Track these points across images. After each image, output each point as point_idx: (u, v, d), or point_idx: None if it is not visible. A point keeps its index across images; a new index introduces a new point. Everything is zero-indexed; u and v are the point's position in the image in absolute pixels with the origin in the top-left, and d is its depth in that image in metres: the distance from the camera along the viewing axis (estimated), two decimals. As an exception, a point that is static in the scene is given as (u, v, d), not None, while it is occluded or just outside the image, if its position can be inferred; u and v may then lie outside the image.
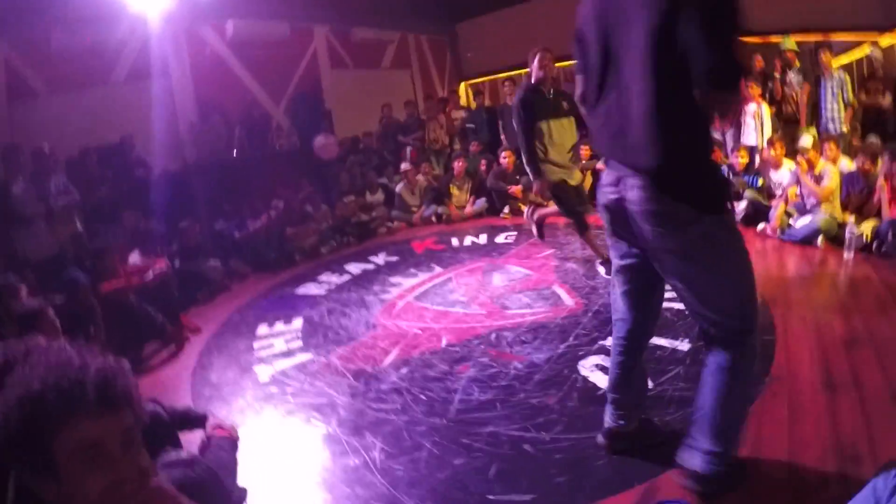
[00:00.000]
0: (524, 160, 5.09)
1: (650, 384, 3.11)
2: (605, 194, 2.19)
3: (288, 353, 4.21)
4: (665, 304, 4.06)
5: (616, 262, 2.38)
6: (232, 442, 2.17)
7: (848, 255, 4.94)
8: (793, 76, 6.96)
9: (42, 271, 5.02)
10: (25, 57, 6.74)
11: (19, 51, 6.69)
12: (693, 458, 2.20)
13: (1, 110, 6.58)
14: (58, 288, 4.41)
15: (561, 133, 5.06)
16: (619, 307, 2.48)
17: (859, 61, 8.27)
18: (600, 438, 2.62)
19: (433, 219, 8.08)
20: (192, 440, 2.38)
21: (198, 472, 1.70)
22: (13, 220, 5.37)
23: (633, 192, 2.01)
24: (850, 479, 2.24)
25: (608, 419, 2.60)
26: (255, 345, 4.47)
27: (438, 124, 9.60)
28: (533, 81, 5.04)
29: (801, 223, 5.48)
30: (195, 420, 2.36)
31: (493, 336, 4.03)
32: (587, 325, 4.05)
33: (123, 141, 7.17)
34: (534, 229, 5.79)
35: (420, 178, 8.36)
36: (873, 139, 5.90)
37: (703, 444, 2.18)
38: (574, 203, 5.08)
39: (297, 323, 4.81)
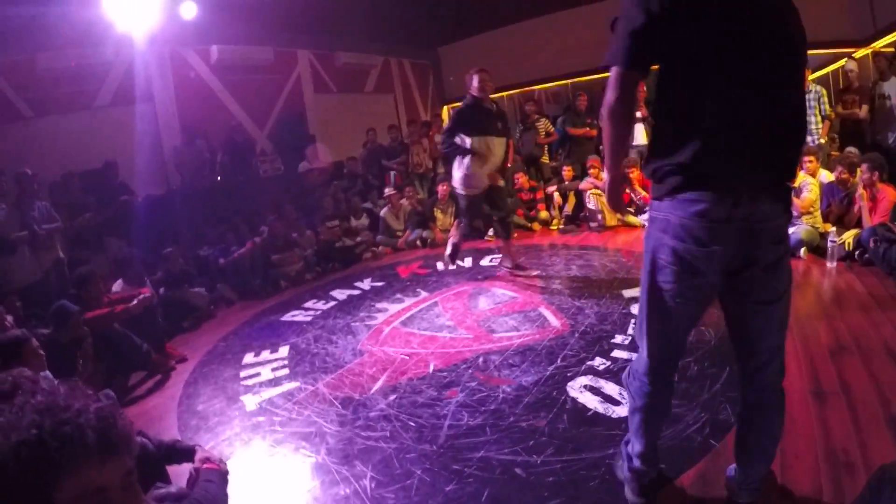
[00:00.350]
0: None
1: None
2: (719, 224, 1.81)
3: (275, 382, 4.17)
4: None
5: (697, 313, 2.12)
6: (221, 475, 2.14)
7: (831, 264, 5.05)
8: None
9: (25, 299, 4.95)
10: (10, 79, 6.71)
11: (4, 72, 6.66)
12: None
13: (-16, 132, 6.55)
14: (45, 317, 4.35)
15: (497, 149, 5.43)
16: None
17: (834, 73, 8.47)
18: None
19: (418, 243, 8.06)
20: (179, 473, 2.36)
21: (188, 507, 1.68)
22: (-3, 247, 5.29)
23: (766, 206, 1.83)
24: (845, 486, 2.30)
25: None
26: (242, 373, 4.41)
27: (422, 148, 9.64)
28: (473, 98, 5.40)
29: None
30: (183, 453, 2.34)
31: (481, 360, 4.02)
32: (574, 345, 4.06)
33: (107, 166, 7.11)
34: (448, 252, 5.97)
35: (404, 202, 8.38)
36: (851, 150, 6.02)
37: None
38: (476, 217, 5.82)
39: (284, 351, 4.76)
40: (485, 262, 6.72)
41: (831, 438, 2.63)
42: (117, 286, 5.26)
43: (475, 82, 5.39)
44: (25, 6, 6.06)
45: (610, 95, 1.90)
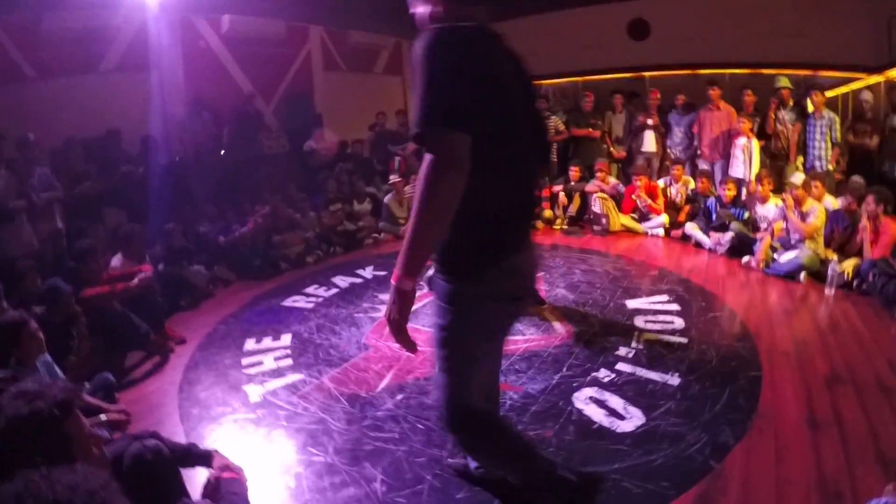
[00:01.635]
0: None
1: (643, 418, 3.16)
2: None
3: (278, 373, 4.12)
4: (656, 337, 4.16)
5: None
6: (242, 485, 2.13)
7: (829, 291, 5.09)
8: (785, 114, 7.09)
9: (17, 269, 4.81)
10: (14, 38, 6.54)
11: (8, 31, 6.49)
12: None
13: (-13, 91, 6.40)
14: (39, 296, 4.25)
15: None
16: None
17: (844, 97, 8.48)
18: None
19: (421, 231, 7.96)
20: (192, 475, 2.35)
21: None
22: (-6, 216, 5.14)
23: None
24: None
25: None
26: (244, 361, 4.36)
27: (429, 136, 9.56)
28: None
29: (785, 258, 5.61)
30: (199, 457, 2.31)
31: (488, 363, 4.02)
32: (580, 355, 4.08)
33: (110, 134, 6.98)
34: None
35: (408, 189, 8.33)
36: (857, 179, 6.05)
37: None
38: None
39: (286, 339, 4.70)
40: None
41: (823, 468, 2.70)
42: (116, 261, 5.09)
43: None
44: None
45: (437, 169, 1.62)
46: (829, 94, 7.44)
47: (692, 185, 7.43)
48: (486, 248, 1.88)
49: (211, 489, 2.15)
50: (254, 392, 3.86)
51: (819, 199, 5.76)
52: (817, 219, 5.51)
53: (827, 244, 5.64)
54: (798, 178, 5.64)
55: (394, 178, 8.28)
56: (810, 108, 7.01)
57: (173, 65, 7.97)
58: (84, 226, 5.92)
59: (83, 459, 1.48)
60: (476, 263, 1.87)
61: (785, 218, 5.77)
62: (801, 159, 7.25)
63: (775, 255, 5.73)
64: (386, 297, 5.19)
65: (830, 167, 6.86)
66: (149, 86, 7.64)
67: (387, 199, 8.25)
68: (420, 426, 3.29)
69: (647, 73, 10.29)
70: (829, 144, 6.86)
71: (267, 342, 4.68)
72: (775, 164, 7.42)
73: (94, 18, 7.01)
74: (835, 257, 5.36)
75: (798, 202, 5.61)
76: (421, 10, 1.92)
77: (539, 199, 7.59)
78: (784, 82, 7.12)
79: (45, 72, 6.76)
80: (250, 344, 4.67)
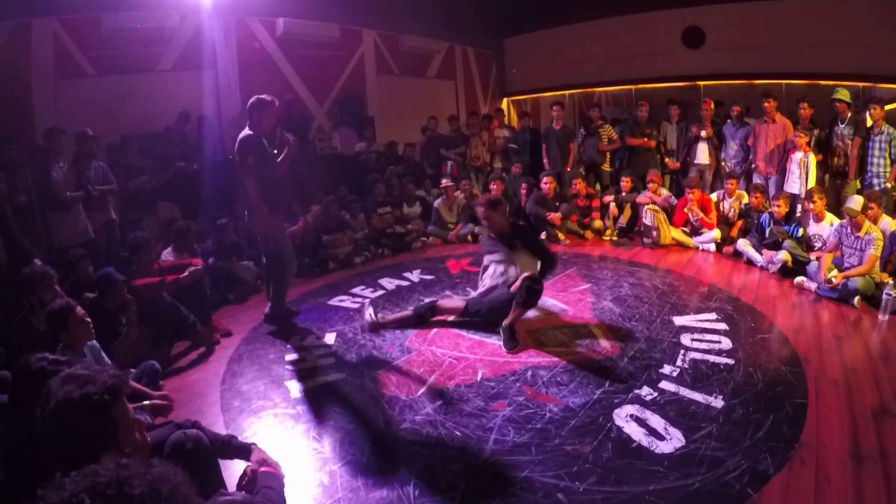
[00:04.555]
0: None
1: (683, 440, 3.11)
2: None
3: (320, 371, 4.17)
4: (700, 357, 4.07)
5: None
6: (279, 480, 2.17)
7: (883, 317, 4.90)
8: (844, 129, 6.85)
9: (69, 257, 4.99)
10: (75, 36, 6.78)
11: (69, 29, 6.73)
12: None
13: (47, 87, 6.63)
14: (91, 283, 4.44)
15: None
16: None
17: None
18: None
19: (469, 238, 8.00)
20: (229, 466, 2.41)
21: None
22: (52, 205, 5.37)
23: None
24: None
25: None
26: (287, 357, 4.43)
27: (481, 141, 9.59)
28: None
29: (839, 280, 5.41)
30: (238, 450, 2.35)
31: (529, 374, 3.99)
32: (623, 371, 4.01)
33: (167, 130, 7.20)
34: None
35: (459, 194, 8.34)
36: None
37: None
38: None
39: (331, 338, 4.76)
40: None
41: (864, 505, 2.59)
42: (167, 253, 5.31)
43: None
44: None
45: None
46: (889, 107, 7.14)
47: (746, 199, 7.25)
48: None
49: (247, 482, 2.19)
50: (295, 388, 3.92)
51: (875, 220, 5.53)
52: (877, 249, 5.24)
53: (883, 267, 5.41)
54: (855, 202, 5.40)
55: (445, 182, 8.32)
56: (869, 122, 6.73)
57: (228, 66, 8.17)
58: (139, 218, 6.11)
59: (126, 444, 1.53)
60: None
61: (841, 244, 5.56)
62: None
63: (830, 277, 5.50)
64: (431, 300, 5.22)
65: (889, 185, 6.56)
66: (204, 85, 7.85)
67: (437, 203, 8.29)
68: (458, 433, 3.29)
69: (701, 83, 10.11)
70: (889, 161, 6.56)
71: (311, 340, 4.75)
72: (833, 182, 7.18)
73: (152, 19, 7.26)
74: (890, 281, 5.14)
75: (855, 227, 5.41)
76: None
77: None
78: (842, 94, 6.83)
79: (104, 70, 7.01)
80: (295, 340, 4.74)
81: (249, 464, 2.29)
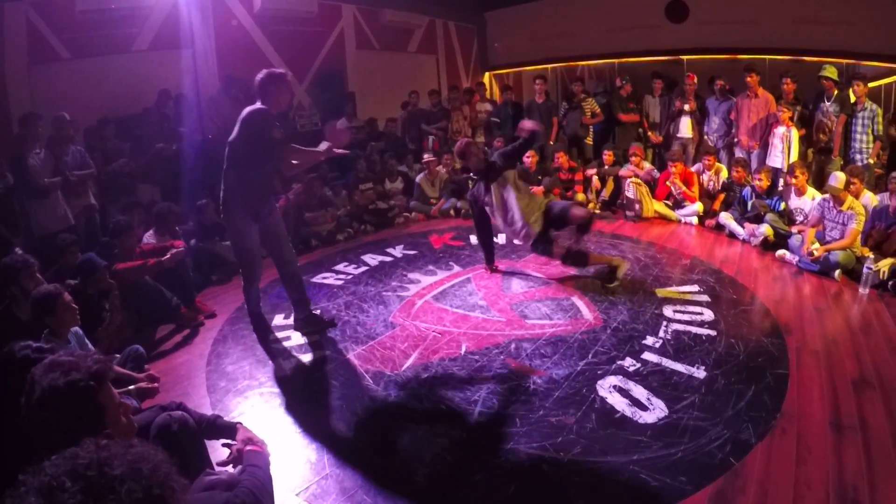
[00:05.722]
0: None
1: (666, 410, 3.15)
2: None
3: (305, 348, 4.18)
4: (682, 328, 4.10)
5: None
6: (265, 458, 2.17)
7: (863, 290, 4.95)
8: (830, 106, 6.87)
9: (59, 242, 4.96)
10: (48, 19, 6.61)
11: (42, 13, 6.55)
12: None
13: (21, 73, 6.45)
14: (74, 269, 4.39)
15: None
16: None
17: (887, 88, 8.22)
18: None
19: (452, 212, 8.00)
20: (215, 446, 2.40)
21: (241, 499, 1.71)
22: (30, 192, 5.28)
23: None
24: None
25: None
26: (272, 336, 4.43)
27: (462, 115, 9.55)
28: None
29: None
30: (223, 430, 2.35)
31: (513, 346, 4.02)
32: (606, 342, 4.05)
33: (146, 112, 7.08)
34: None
35: (441, 169, 8.31)
36: (896, 175, 5.84)
37: None
38: None
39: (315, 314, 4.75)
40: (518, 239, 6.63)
41: (844, 474, 2.65)
42: (148, 236, 5.26)
43: None
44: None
45: None
46: (872, 84, 7.17)
47: (724, 173, 7.28)
48: None
49: (232, 461, 2.19)
50: (280, 367, 3.92)
51: (857, 195, 5.58)
52: (858, 224, 5.28)
53: (864, 242, 5.46)
54: (837, 179, 5.43)
55: (427, 157, 8.28)
56: (852, 98, 6.78)
57: (205, 44, 7.99)
58: (125, 202, 5.99)
59: (113, 428, 1.52)
60: None
61: (824, 219, 5.60)
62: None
63: (814, 249, 5.54)
64: (415, 276, 5.29)
65: (871, 161, 6.63)
66: (181, 65, 7.71)
67: (419, 178, 8.26)
68: (443, 407, 3.31)
69: (684, 57, 10.08)
70: (871, 137, 6.63)
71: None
72: (817, 158, 7.22)
73: (127, -1, 7.08)
74: (871, 255, 5.20)
75: (837, 201, 5.45)
76: None
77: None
78: (830, 72, 6.84)
79: (79, 52, 6.82)
80: (279, 319, 4.73)
81: (235, 443, 2.28)
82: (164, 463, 1.06)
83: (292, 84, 4.61)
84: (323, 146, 4.12)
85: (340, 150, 4.25)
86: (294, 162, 4.24)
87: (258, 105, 4.03)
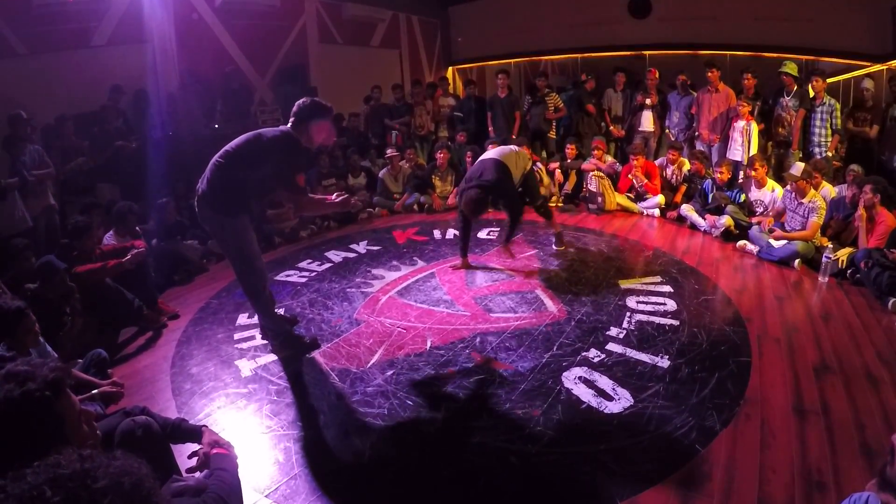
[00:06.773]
0: None
1: (631, 400, 3.19)
2: None
3: (270, 347, 4.12)
4: (645, 318, 4.15)
5: None
6: (232, 461, 2.14)
7: (822, 279, 5.08)
8: (789, 101, 7.01)
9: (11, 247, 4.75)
10: (4, 14, 6.38)
11: (-2, 7, 6.38)
12: None
13: (-24, 69, 6.29)
14: (32, 273, 4.23)
15: None
16: None
17: (845, 84, 8.43)
18: None
19: (415, 207, 7.99)
20: (182, 450, 2.35)
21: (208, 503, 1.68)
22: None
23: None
24: (816, 505, 2.39)
25: None
26: (236, 335, 4.37)
27: (425, 110, 9.50)
28: None
29: (779, 244, 5.59)
30: (189, 433, 2.31)
31: (478, 340, 4.03)
32: (570, 334, 4.09)
33: (104, 108, 6.88)
34: None
35: (404, 164, 8.27)
36: (855, 168, 5.99)
37: None
38: None
39: (278, 313, 4.65)
40: (482, 234, 6.67)
41: (808, 457, 2.72)
42: (108, 237, 5.12)
43: None
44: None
45: None
46: (830, 80, 7.35)
47: (687, 166, 7.40)
48: None
49: (199, 465, 2.15)
50: (245, 367, 3.87)
51: (817, 187, 5.71)
52: (819, 217, 5.44)
53: (822, 232, 5.61)
54: (797, 168, 5.57)
55: (390, 152, 8.23)
56: (811, 93, 6.93)
57: (166, 38, 7.84)
58: (85, 203, 5.82)
59: (74, 437, 1.48)
60: None
61: (786, 210, 5.74)
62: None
63: (770, 240, 5.68)
64: (379, 272, 5.27)
65: (829, 154, 6.81)
66: (141, 60, 7.55)
67: (382, 173, 8.21)
68: (409, 402, 3.31)
69: (647, 52, 10.21)
70: (830, 131, 6.81)
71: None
72: (777, 151, 7.38)
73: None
74: (830, 245, 5.34)
75: (800, 193, 5.57)
76: None
77: None
78: (790, 68, 6.98)
79: (36, 48, 6.63)
80: (242, 319, 4.67)
81: (201, 446, 2.23)
82: (147, 478, 1.03)
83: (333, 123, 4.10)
84: (336, 197, 3.84)
85: (355, 200, 4.25)
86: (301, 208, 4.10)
87: (290, 130, 3.77)
